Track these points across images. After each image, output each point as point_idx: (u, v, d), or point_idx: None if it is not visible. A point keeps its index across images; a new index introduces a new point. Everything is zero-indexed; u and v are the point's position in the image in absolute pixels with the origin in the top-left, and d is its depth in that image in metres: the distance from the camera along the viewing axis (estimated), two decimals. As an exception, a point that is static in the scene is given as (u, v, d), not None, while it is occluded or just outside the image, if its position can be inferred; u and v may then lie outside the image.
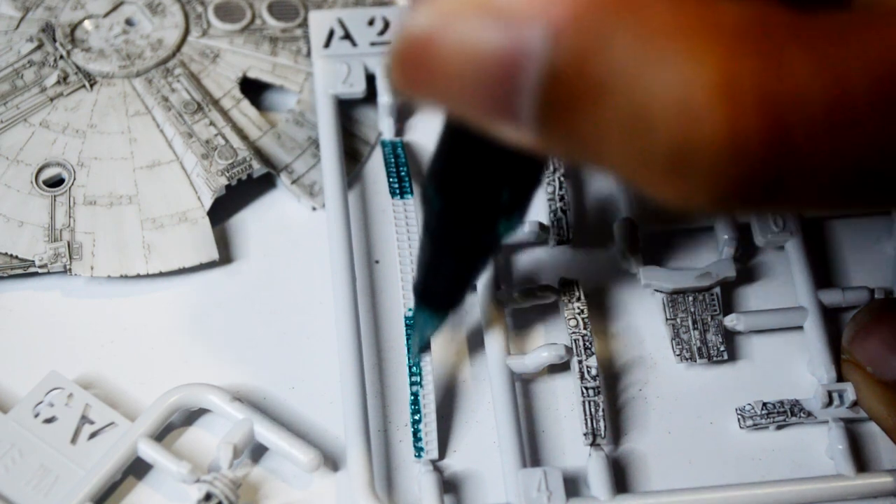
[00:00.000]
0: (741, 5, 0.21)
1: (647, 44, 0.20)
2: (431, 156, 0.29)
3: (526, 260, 0.39)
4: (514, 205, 0.29)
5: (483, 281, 0.37)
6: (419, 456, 0.35)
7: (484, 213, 0.29)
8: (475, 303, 0.38)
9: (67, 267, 0.37)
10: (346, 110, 0.41)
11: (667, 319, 0.37)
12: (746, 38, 0.20)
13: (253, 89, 0.42)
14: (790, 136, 0.20)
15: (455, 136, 0.28)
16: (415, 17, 0.22)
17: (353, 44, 0.41)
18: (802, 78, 0.20)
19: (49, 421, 0.34)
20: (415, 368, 0.36)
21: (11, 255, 0.37)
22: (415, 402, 0.35)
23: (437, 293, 0.34)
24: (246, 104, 0.41)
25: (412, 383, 0.36)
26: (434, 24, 0.22)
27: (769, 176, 0.21)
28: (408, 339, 0.36)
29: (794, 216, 0.39)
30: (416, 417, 0.35)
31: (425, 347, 0.36)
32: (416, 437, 0.35)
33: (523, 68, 0.21)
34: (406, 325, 0.36)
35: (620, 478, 0.36)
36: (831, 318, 0.38)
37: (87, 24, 0.42)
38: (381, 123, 0.41)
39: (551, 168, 0.39)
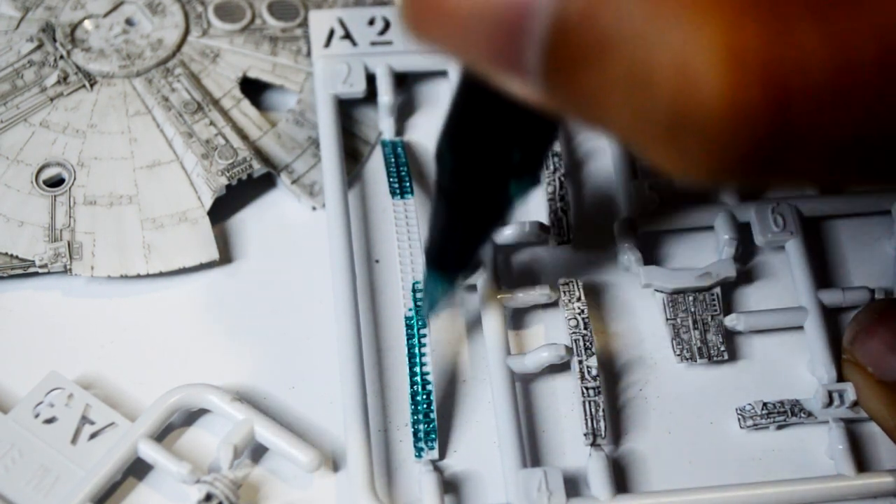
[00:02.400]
0: None
1: (654, 2, 0.20)
2: (446, 114, 0.29)
3: (526, 260, 0.39)
4: (525, 165, 0.29)
5: (483, 281, 0.37)
6: (419, 456, 0.35)
7: (495, 171, 0.29)
8: (475, 302, 0.38)
9: (67, 267, 0.37)
10: (346, 110, 0.41)
11: (667, 319, 0.37)
12: (756, 5, 0.20)
13: (253, 89, 0.42)
14: (794, 105, 0.20)
15: (469, 93, 0.28)
16: None
17: (354, 44, 0.41)
18: (809, 46, 0.20)
19: (49, 421, 0.34)
20: (415, 368, 0.36)
21: (11, 255, 0.37)
22: (414, 402, 0.35)
23: (448, 256, 0.34)
24: (246, 104, 0.41)
25: (412, 383, 0.36)
26: None
27: (770, 146, 0.21)
28: (418, 307, 0.36)
29: (793, 216, 0.39)
30: (416, 417, 0.35)
31: (435, 311, 0.36)
32: (416, 437, 0.35)
33: (530, 19, 0.21)
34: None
35: (620, 478, 0.36)
36: (831, 318, 0.38)
37: (87, 23, 0.42)
38: (381, 123, 0.41)
39: (551, 168, 0.39)
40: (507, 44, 0.22)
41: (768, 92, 0.20)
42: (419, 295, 0.36)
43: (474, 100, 0.28)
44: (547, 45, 0.21)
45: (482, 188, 0.30)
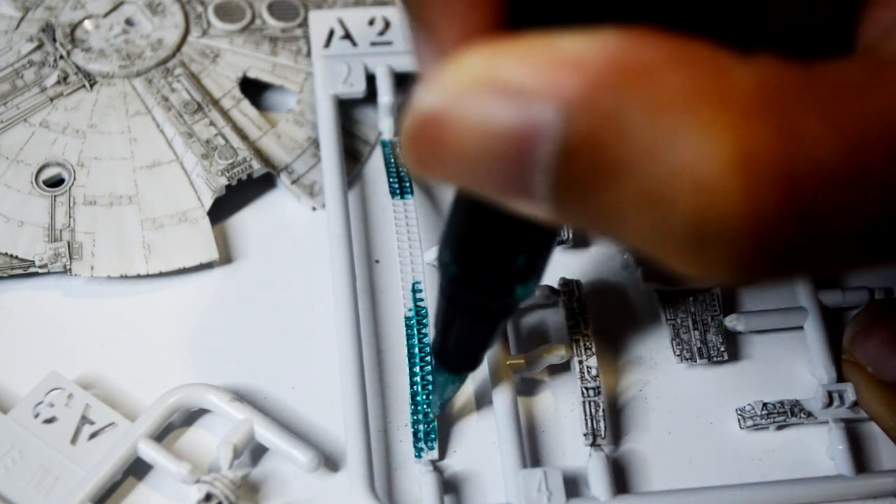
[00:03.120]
0: (752, 68, 0.20)
1: (660, 118, 0.20)
2: (445, 221, 0.29)
3: (526, 260, 0.39)
4: (530, 269, 0.29)
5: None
6: (419, 456, 0.35)
7: (500, 279, 0.29)
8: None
9: (67, 267, 0.37)
10: (346, 110, 0.41)
11: (667, 319, 0.37)
12: (760, 106, 0.20)
13: (253, 89, 0.42)
14: (810, 203, 0.20)
15: (469, 205, 0.27)
16: (423, 94, 0.22)
17: (354, 44, 0.41)
18: (818, 142, 0.20)
19: (49, 421, 0.34)
20: (415, 368, 0.36)
21: (11, 255, 0.37)
22: (414, 402, 0.35)
23: (455, 356, 0.33)
24: (246, 104, 0.41)
25: (412, 383, 0.36)
26: (443, 103, 0.21)
27: (791, 246, 0.21)
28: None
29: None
30: (416, 417, 0.35)
31: (444, 405, 0.35)
32: (416, 437, 0.35)
33: (536, 146, 0.21)
34: (406, 325, 0.36)
35: (620, 478, 0.36)
36: (831, 319, 0.38)
37: (87, 24, 0.42)
38: (381, 123, 0.41)
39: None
40: (515, 174, 0.22)
41: (784, 191, 0.20)
42: (428, 388, 0.36)
43: (476, 212, 0.27)
44: (556, 171, 0.21)
45: (487, 294, 0.30)
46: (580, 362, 0.36)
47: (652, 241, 0.21)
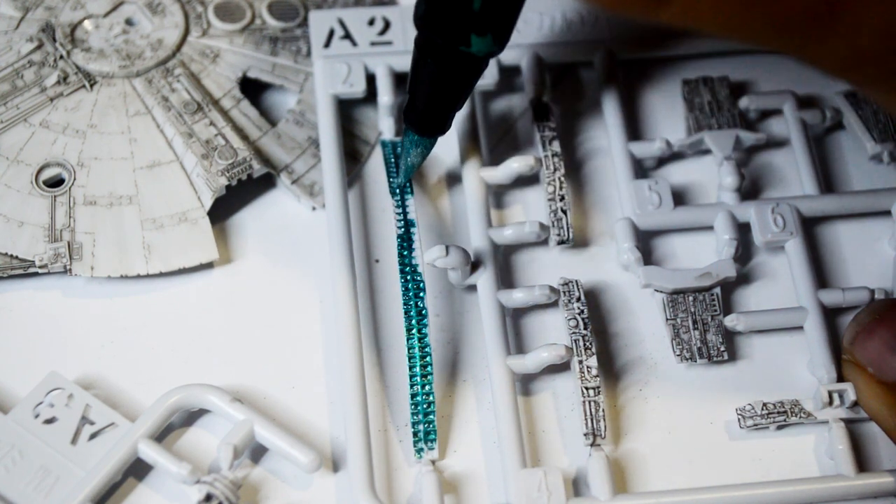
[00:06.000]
0: None
1: None
2: None
3: (526, 260, 0.39)
4: (485, 18, 0.33)
5: (483, 281, 0.37)
6: (419, 456, 0.35)
7: (456, 20, 0.33)
8: (475, 303, 0.38)
9: (67, 267, 0.37)
10: (346, 110, 0.41)
11: (667, 319, 0.37)
12: None
13: (253, 89, 0.42)
14: None
15: None
16: None
17: (354, 44, 0.41)
18: None
19: (49, 421, 0.34)
20: (415, 368, 0.36)
21: (11, 255, 0.37)
22: (414, 402, 0.35)
23: (422, 113, 0.36)
24: (246, 104, 0.41)
25: (412, 383, 0.36)
26: None
27: None
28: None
29: (793, 216, 0.39)
30: (416, 417, 0.35)
31: (411, 172, 0.38)
32: (416, 437, 0.35)
33: None
34: (406, 325, 0.36)
35: (620, 478, 0.36)
36: (831, 319, 0.38)
37: (87, 24, 0.42)
38: (381, 123, 0.41)
39: (551, 168, 0.39)
40: None
41: None
42: (395, 161, 0.39)
43: None
44: None
45: (446, 39, 0.34)
46: (580, 362, 0.36)
47: None
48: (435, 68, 0.35)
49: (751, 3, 0.26)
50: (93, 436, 0.34)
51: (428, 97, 0.36)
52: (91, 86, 0.41)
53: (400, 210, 0.38)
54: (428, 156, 0.38)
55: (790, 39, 0.27)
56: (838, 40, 0.26)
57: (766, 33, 0.27)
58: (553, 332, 0.38)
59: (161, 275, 0.38)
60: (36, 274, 0.38)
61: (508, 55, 0.40)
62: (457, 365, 0.37)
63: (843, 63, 0.27)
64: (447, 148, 0.40)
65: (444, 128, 0.37)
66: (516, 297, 0.37)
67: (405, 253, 0.37)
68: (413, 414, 0.35)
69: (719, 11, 0.26)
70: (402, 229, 0.38)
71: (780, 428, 0.37)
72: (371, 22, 0.42)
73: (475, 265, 0.38)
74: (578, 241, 0.40)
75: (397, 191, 0.39)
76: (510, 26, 0.34)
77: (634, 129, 0.42)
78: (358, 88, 0.41)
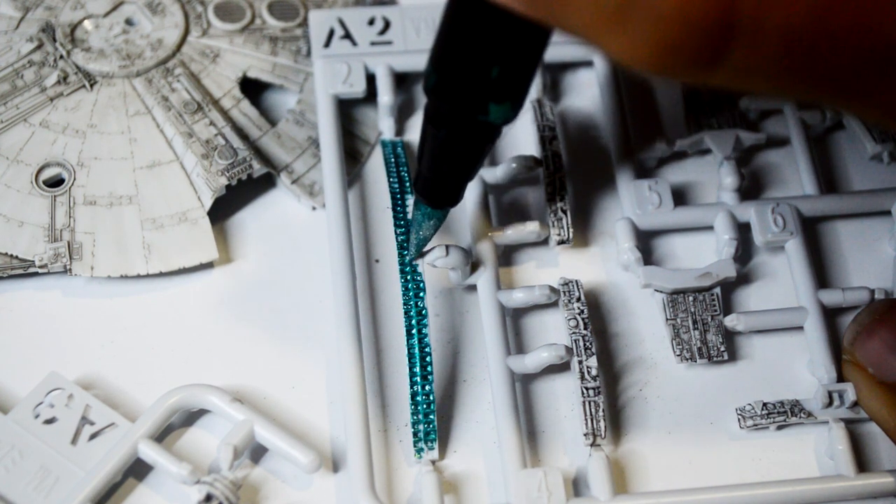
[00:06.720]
0: None
1: None
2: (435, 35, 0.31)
3: (526, 260, 0.39)
4: (504, 86, 0.31)
5: (483, 281, 0.37)
6: (419, 456, 0.35)
7: (474, 89, 0.31)
8: (475, 303, 0.38)
9: (67, 267, 0.37)
10: (346, 110, 0.41)
11: (667, 319, 0.37)
12: None
13: (253, 89, 0.42)
14: None
15: (451, 14, 0.30)
16: None
17: (354, 43, 0.41)
18: None
19: (49, 422, 0.34)
20: (415, 368, 0.36)
21: (11, 255, 0.37)
22: (414, 402, 0.35)
23: (435, 185, 0.35)
24: (246, 104, 0.41)
25: (412, 383, 0.36)
26: None
27: (716, 35, 0.21)
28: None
29: (793, 216, 0.39)
30: (416, 417, 0.35)
31: (422, 245, 0.36)
32: (416, 437, 0.35)
33: None
34: (406, 325, 0.36)
35: (620, 478, 0.36)
36: (831, 319, 0.38)
37: (87, 23, 0.42)
38: (381, 123, 0.41)
39: (551, 168, 0.39)
40: None
41: None
42: (404, 234, 0.37)
43: (457, 17, 0.30)
44: None
45: (463, 109, 0.32)
46: (580, 362, 0.36)
47: (590, 18, 0.23)
48: (449, 138, 0.33)
49: (820, 54, 0.23)
50: (93, 436, 0.34)
51: (442, 168, 0.34)
52: (91, 86, 0.41)
53: (400, 210, 0.38)
54: (441, 227, 0.37)
55: (840, 96, 0.25)
56: (887, 92, 0.25)
57: (831, 87, 0.24)
58: (553, 332, 0.38)
59: (161, 275, 0.38)
60: (36, 274, 0.38)
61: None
62: (457, 365, 0.37)
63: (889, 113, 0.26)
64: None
65: (457, 199, 0.35)
66: (516, 297, 0.37)
67: (405, 253, 0.37)
68: (413, 414, 0.35)
69: (783, 70, 0.24)
70: (403, 230, 0.38)
71: (780, 428, 0.37)
72: (371, 22, 0.42)
73: (475, 265, 0.38)
74: (578, 241, 0.40)
75: (398, 191, 0.39)
76: (527, 90, 0.32)
77: (634, 129, 0.42)
78: (358, 88, 0.41)
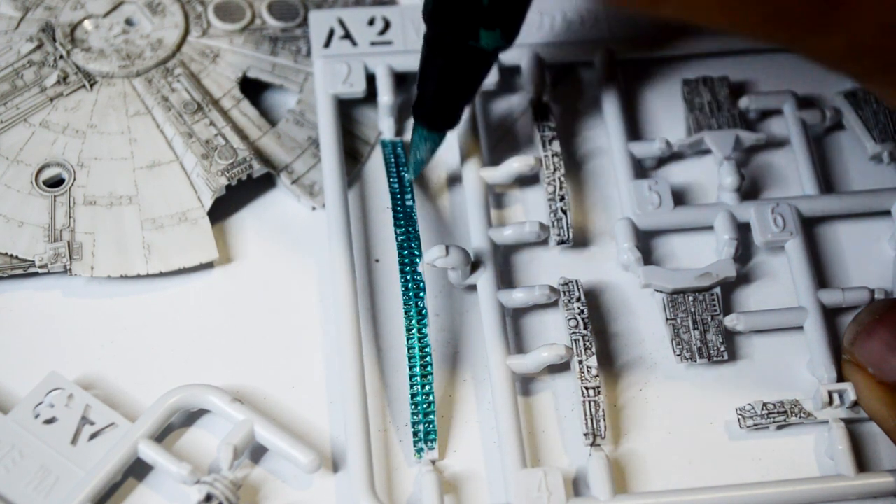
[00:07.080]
0: None
1: None
2: None
3: (526, 260, 0.39)
4: (494, 13, 0.33)
5: (483, 281, 0.37)
6: (419, 456, 0.35)
7: (465, 15, 0.34)
8: (475, 303, 0.38)
9: (67, 267, 0.37)
10: (346, 110, 0.41)
11: (667, 319, 0.37)
12: None
13: (253, 89, 0.42)
14: None
15: None
16: None
17: (354, 43, 0.41)
18: None
19: (49, 422, 0.34)
20: (415, 368, 0.36)
21: (11, 255, 0.37)
22: (414, 402, 0.35)
23: (432, 108, 0.37)
24: (246, 104, 0.41)
25: (412, 383, 0.36)
26: None
27: None
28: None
29: (793, 216, 0.39)
30: (416, 417, 0.35)
31: (420, 167, 0.38)
32: (416, 437, 0.35)
33: None
34: (406, 325, 0.36)
35: (620, 478, 0.36)
36: (831, 319, 0.38)
37: (87, 23, 0.42)
38: (381, 123, 0.41)
39: (551, 168, 0.39)
40: None
41: None
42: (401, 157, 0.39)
43: None
44: None
45: (455, 34, 0.34)
46: (580, 362, 0.36)
47: None
48: (444, 64, 0.36)
49: None
50: (93, 436, 0.34)
51: (437, 92, 0.37)
52: (91, 86, 0.41)
53: (400, 210, 0.38)
54: (437, 151, 0.39)
55: (789, 32, 0.27)
56: (837, 32, 0.26)
57: (764, 26, 0.27)
58: (553, 332, 0.38)
59: (161, 275, 0.38)
60: (36, 274, 0.38)
61: (508, 55, 0.40)
62: (457, 365, 0.37)
63: (842, 55, 0.28)
64: (447, 148, 0.40)
65: (454, 121, 0.38)
66: (516, 297, 0.37)
67: (405, 253, 0.37)
68: (413, 414, 0.35)
69: (718, 4, 0.26)
70: (403, 230, 0.38)
71: (780, 428, 0.37)
72: (371, 22, 0.42)
73: (475, 265, 0.38)
74: (578, 241, 0.40)
75: (398, 191, 0.39)
76: (519, 21, 0.34)
77: (634, 129, 0.42)
78: (358, 88, 0.41)
